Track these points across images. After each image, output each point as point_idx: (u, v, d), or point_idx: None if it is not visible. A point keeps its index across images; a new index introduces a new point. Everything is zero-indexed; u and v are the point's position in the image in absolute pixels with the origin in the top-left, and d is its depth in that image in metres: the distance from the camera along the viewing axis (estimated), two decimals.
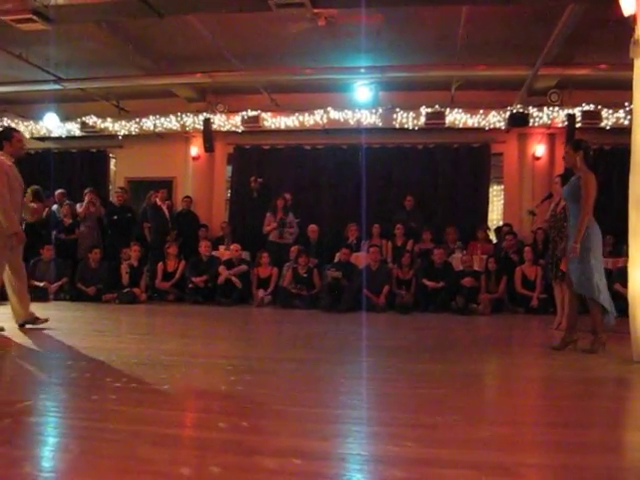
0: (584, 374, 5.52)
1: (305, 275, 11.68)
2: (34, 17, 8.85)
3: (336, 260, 11.92)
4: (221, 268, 11.97)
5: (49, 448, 3.15)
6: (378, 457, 3.08)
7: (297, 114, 13.99)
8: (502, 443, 3.34)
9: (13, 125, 14.83)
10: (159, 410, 3.80)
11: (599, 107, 12.80)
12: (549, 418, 4.03)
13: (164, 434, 3.31)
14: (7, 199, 7.07)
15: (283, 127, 14.15)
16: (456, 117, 13.43)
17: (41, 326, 7.54)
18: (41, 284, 11.32)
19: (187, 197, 14.44)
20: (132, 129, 14.81)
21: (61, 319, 9.18)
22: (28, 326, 7.48)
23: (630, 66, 5.95)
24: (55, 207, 13.45)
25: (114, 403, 4.00)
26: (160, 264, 12.29)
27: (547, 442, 3.44)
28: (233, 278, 11.80)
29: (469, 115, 13.41)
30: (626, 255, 6.42)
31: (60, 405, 4.03)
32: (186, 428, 3.68)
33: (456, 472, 2.88)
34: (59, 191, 13.98)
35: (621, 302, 6.65)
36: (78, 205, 13.18)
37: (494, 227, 14.44)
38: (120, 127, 14.85)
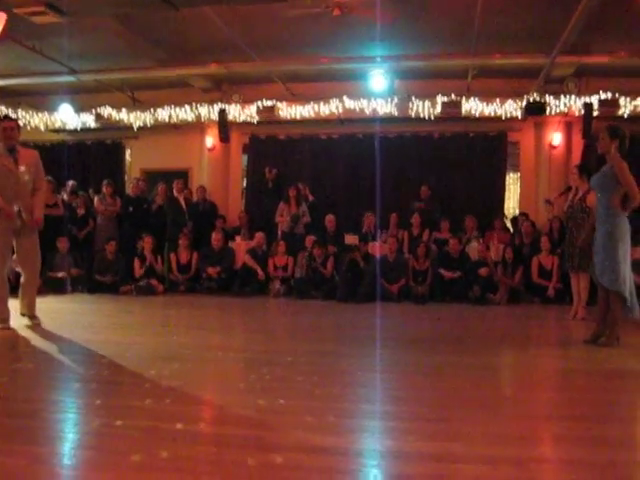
0: (602, 366, 5.48)
1: (321, 264, 11.69)
2: (47, 10, 8.86)
3: None
4: (246, 257, 12.04)
5: (70, 445, 3.18)
6: (394, 452, 3.09)
7: (312, 103, 13.93)
8: (517, 437, 3.34)
9: (27, 117, 14.89)
10: (177, 406, 3.82)
11: (616, 95, 12.61)
12: (565, 411, 4.01)
13: (182, 430, 3.33)
14: None
15: (298, 117, 14.10)
16: (472, 106, 13.32)
17: (60, 319, 7.56)
18: (59, 275, 11.35)
19: (200, 187, 14.30)
20: (147, 120, 14.74)
21: (79, 312, 9.27)
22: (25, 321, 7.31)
23: None
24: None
25: (132, 399, 4.02)
26: (172, 255, 12.35)
27: (563, 436, 3.43)
28: (254, 266, 11.87)
29: (485, 104, 13.29)
30: None
31: (79, 402, 4.06)
32: (204, 424, 3.68)
33: (470, 467, 2.89)
34: (71, 182, 14.02)
35: None
36: (96, 198, 13.20)
37: (511, 216, 14.35)
38: (135, 118, 14.80)
